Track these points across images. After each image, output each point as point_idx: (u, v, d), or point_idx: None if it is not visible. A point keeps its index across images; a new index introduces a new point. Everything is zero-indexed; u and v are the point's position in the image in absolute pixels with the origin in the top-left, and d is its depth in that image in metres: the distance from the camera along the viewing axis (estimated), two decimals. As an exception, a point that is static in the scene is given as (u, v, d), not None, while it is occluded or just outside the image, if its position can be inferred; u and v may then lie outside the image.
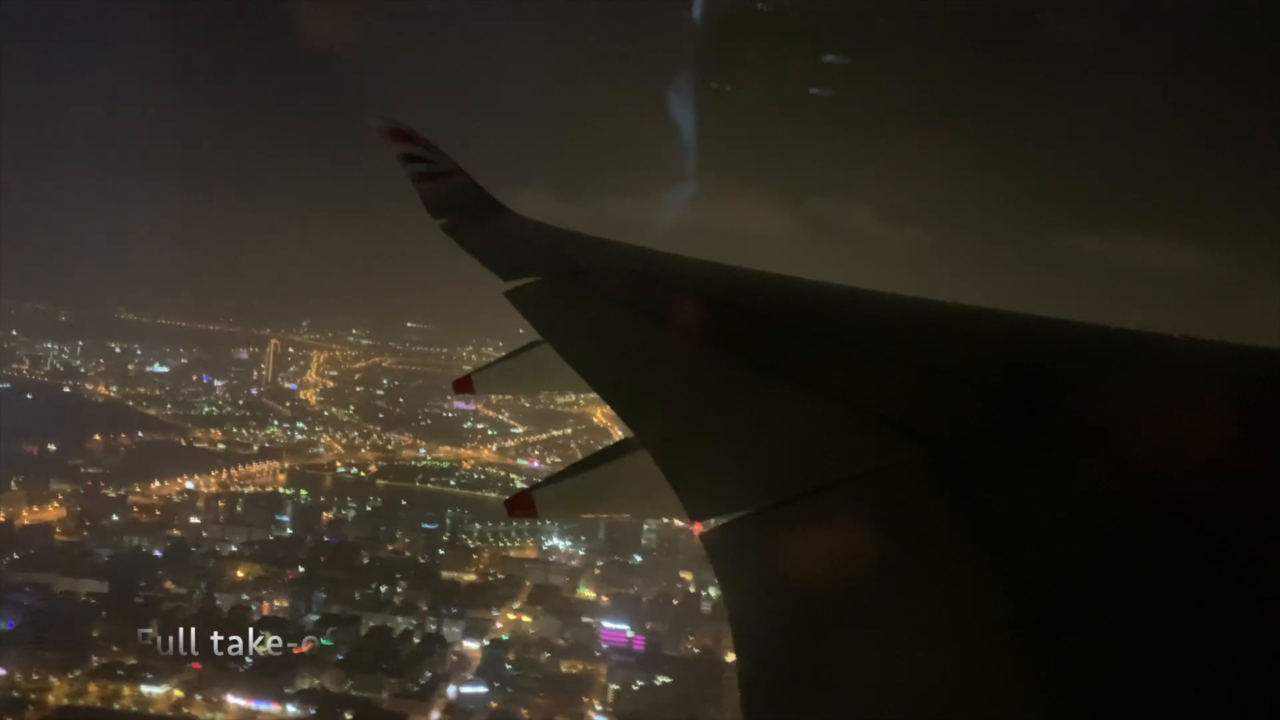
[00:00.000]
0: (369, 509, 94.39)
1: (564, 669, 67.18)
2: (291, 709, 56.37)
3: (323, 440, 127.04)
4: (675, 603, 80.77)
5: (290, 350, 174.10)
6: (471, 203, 9.51)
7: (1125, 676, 1.60)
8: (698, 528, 2.77)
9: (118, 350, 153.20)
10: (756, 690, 1.99)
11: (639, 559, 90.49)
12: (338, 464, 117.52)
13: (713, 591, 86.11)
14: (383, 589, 74.15)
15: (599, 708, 61.62)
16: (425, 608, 71.48)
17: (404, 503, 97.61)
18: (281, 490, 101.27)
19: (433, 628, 69.38)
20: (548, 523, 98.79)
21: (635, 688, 62.93)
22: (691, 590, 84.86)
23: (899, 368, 3.59)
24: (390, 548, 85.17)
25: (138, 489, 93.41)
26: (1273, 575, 1.77)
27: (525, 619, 74.17)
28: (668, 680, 63.79)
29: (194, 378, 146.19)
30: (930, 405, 3.00)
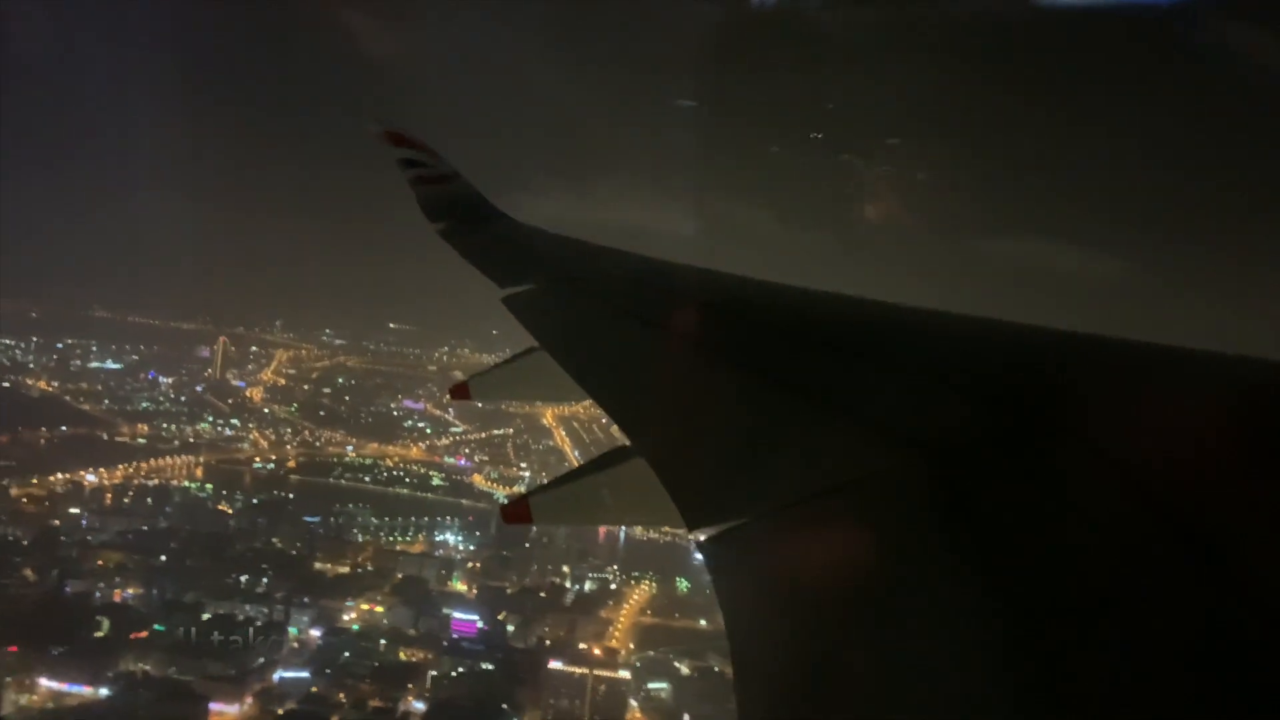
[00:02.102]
0: (255, 502, 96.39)
1: (402, 657, 69.12)
2: (104, 691, 58.39)
3: (251, 436, 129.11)
4: (542, 595, 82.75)
5: (253, 349, 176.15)
6: (469, 208, 9.56)
7: (1119, 685, 1.60)
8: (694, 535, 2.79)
9: (60, 346, 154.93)
10: (751, 697, 2.04)
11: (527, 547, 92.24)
12: (256, 459, 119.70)
13: (590, 585, 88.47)
14: (244, 579, 76.20)
15: (415, 693, 63.39)
16: (279, 597, 73.44)
17: (291, 496, 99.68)
18: (187, 484, 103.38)
19: (279, 616, 71.33)
20: (447, 518, 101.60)
21: (454, 675, 64.67)
22: (566, 585, 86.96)
23: (895, 376, 3.60)
24: (276, 540, 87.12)
25: (35, 481, 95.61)
26: (1269, 583, 1.77)
27: (379, 609, 76.08)
28: (489, 667, 65.59)
29: (141, 375, 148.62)
30: (925, 413, 3.01)
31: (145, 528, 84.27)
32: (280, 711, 59.16)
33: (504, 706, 59.58)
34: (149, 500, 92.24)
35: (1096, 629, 1.78)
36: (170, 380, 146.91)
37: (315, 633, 70.97)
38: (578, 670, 66.26)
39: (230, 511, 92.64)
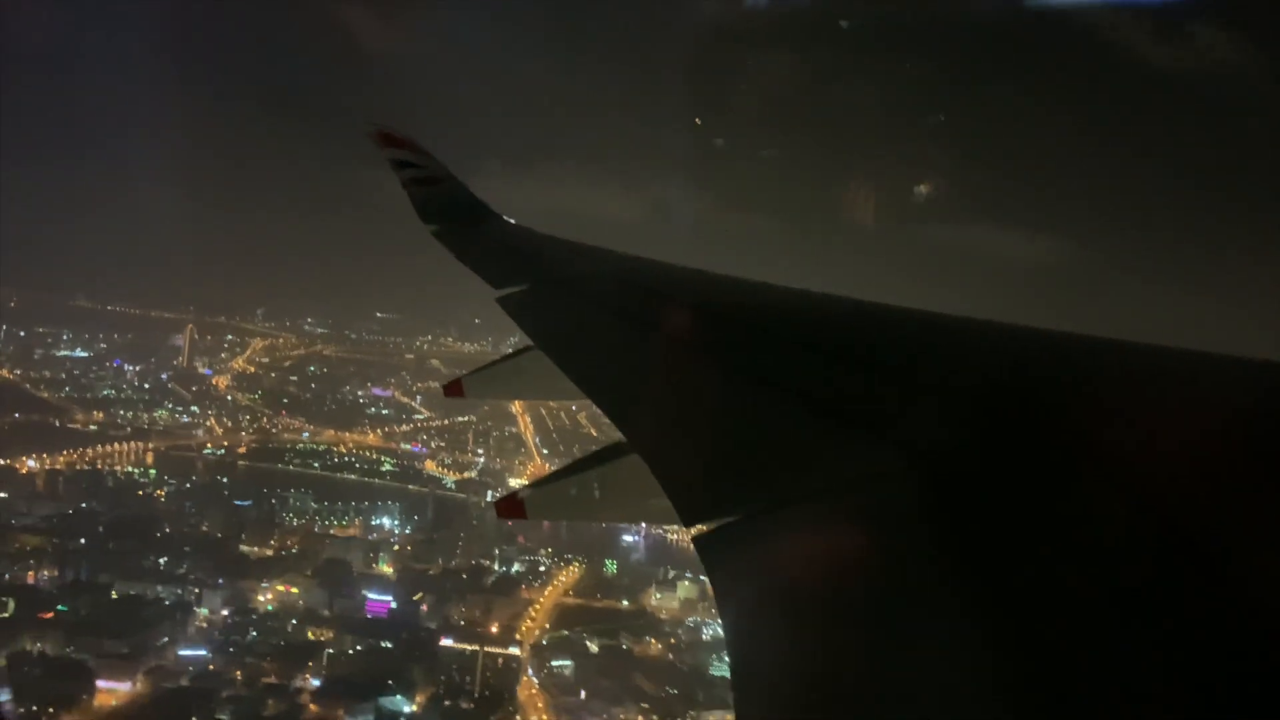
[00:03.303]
0: (187, 485, 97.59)
1: (310, 636, 70.29)
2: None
3: (208, 423, 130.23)
4: (463, 576, 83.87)
5: (229, 337, 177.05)
6: (463, 209, 9.64)
7: (1117, 687, 1.60)
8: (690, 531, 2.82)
9: (23, 334, 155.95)
10: (748, 693, 2.06)
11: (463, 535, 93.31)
12: (207, 446, 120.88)
13: (517, 568, 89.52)
14: (163, 561, 77.31)
15: (314, 671, 64.56)
16: (193, 578, 74.61)
17: (225, 480, 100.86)
18: (130, 469, 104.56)
19: (191, 597, 72.50)
20: (388, 502, 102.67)
21: (350, 653, 65.85)
22: (495, 567, 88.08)
23: (890, 378, 3.62)
24: (203, 524, 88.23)
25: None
26: (1262, 586, 1.77)
27: (294, 590, 77.21)
28: (389, 645, 66.75)
29: (108, 363, 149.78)
30: (918, 415, 3.03)
31: (71, 511, 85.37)
32: (169, 687, 60.29)
33: (389, 682, 60.53)
34: (83, 485, 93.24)
35: (1092, 631, 1.78)
36: (137, 368, 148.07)
37: (226, 613, 72.10)
38: (468, 647, 67.36)
39: (162, 495, 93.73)
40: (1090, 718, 1.58)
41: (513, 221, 9.77)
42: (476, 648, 67.04)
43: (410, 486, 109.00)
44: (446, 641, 68.10)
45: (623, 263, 7.40)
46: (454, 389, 6.68)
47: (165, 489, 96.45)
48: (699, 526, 2.75)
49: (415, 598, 76.72)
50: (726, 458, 3.36)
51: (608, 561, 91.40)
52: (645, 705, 62.78)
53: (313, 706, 60.11)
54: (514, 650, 68.84)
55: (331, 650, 66.39)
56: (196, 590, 73.02)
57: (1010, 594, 1.95)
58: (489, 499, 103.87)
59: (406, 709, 59.63)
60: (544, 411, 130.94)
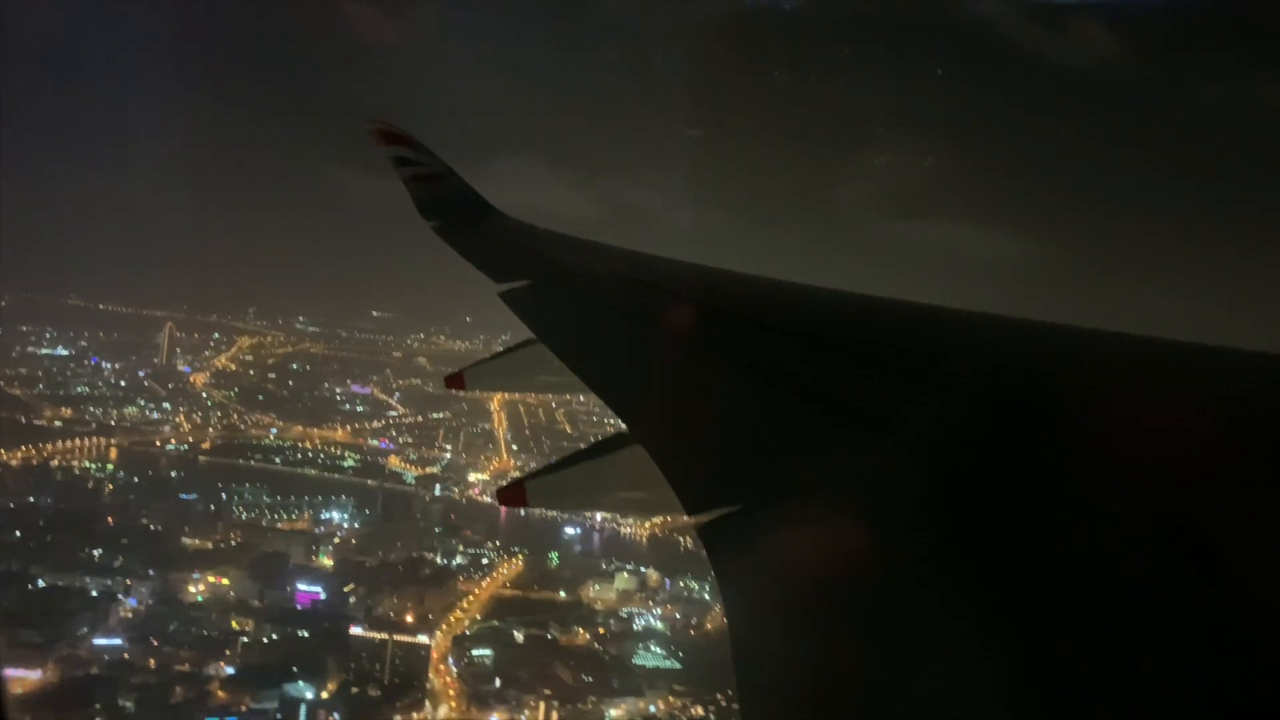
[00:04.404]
0: (135, 480, 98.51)
1: (235, 625, 70.98)
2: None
3: (178, 420, 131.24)
4: (400, 570, 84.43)
5: (216, 335, 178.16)
6: (463, 205, 9.77)
7: (1117, 684, 1.59)
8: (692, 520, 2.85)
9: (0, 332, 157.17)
10: (751, 681, 2.09)
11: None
12: (171, 441, 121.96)
13: (459, 560, 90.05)
14: (98, 553, 78.13)
15: (229, 660, 65.27)
16: (123, 569, 75.40)
17: (175, 474, 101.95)
18: (88, 465, 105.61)
19: (120, 589, 73.28)
20: (342, 497, 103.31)
21: (265, 641, 66.58)
22: (438, 560, 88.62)
23: (889, 371, 3.63)
24: (145, 518, 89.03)
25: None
26: (1262, 581, 1.77)
27: (225, 582, 77.91)
28: (305, 634, 67.46)
29: (86, 361, 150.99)
30: (919, 409, 3.05)
31: (13, 505, 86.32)
32: (78, 675, 61.03)
33: (293, 669, 61.17)
34: (30, 480, 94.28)
35: (1093, 627, 1.77)
36: (116, 366, 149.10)
37: (151, 604, 72.87)
38: (378, 636, 67.94)
39: (109, 489, 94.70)
40: (1091, 712, 1.56)
41: (515, 218, 9.90)
42: (386, 636, 67.57)
43: (369, 481, 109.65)
44: (356, 630, 68.71)
45: (623, 258, 7.45)
46: (456, 381, 6.82)
47: (113, 483, 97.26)
48: (702, 516, 2.81)
49: (346, 589, 77.26)
50: (729, 450, 3.40)
51: (551, 554, 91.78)
52: (548, 692, 63.10)
53: (221, 694, 60.78)
54: (423, 639, 69.35)
55: (247, 639, 67.03)
56: (126, 581, 73.73)
57: (1010, 587, 1.96)
58: (436, 494, 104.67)
59: (309, 695, 60.17)
60: (521, 409, 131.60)
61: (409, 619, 73.91)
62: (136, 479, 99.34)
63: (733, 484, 3.09)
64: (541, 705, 62.29)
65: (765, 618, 2.36)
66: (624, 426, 4.10)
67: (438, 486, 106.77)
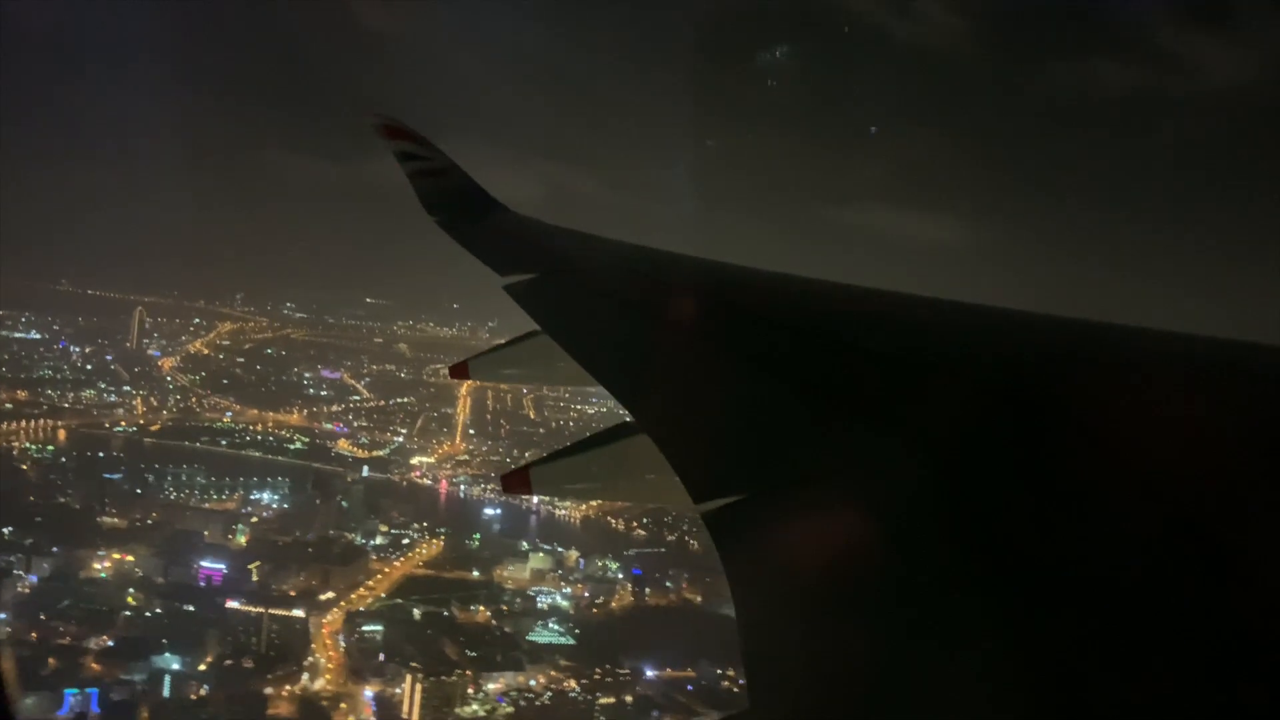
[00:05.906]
0: (63, 460, 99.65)
1: (131, 602, 71.93)
2: None
3: (135, 403, 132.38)
4: (310, 550, 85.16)
5: (196, 320, 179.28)
6: (468, 200, 9.79)
7: (1122, 680, 1.59)
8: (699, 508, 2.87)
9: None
10: (759, 666, 2.11)
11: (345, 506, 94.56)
12: (121, 423, 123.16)
13: (379, 540, 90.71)
14: (8, 530, 79.20)
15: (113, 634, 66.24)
16: (26, 545, 76.43)
17: (101, 454, 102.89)
18: (28, 446, 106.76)
19: (21, 565, 74.30)
20: (277, 478, 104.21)
21: (148, 615, 67.52)
22: (359, 540, 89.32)
23: (894, 363, 3.68)
24: (65, 496, 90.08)
25: None
26: (1266, 573, 1.80)
27: (130, 559, 78.86)
28: (191, 609, 68.32)
29: (56, 345, 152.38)
30: (924, 400, 3.09)
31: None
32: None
33: (163, 641, 62.01)
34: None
35: (1098, 623, 1.77)
36: (85, 350, 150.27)
37: (51, 580, 73.87)
38: (254, 609, 68.76)
39: (28, 468, 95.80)
40: (1097, 703, 1.57)
41: (518, 213, 9.98)
42: (263, 610, 68.36)
43: (315, 464, 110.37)
44: (234, 604, 69.53)
45: (628, 251, 7.54)
46: (460, 371, 6.90)
47: (50, 464, 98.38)
48: (708, 504, 2.84)
49: (250, 566, 78.05)
50: (734, 440, 3.44)
51: (475, 535, 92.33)
52: (415, 665, 63.73)
53: (95, 666, 61.69)
54: (299, 613, 70.12)
55: (129, 613, 67.91)
56: (24, 558, 74.72)
57: (1014, 575, 2.00)
58: (364, 474, 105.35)
59: (175, 666, 61.03)
60: (490, 395, 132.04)
61: (307, 596, 74.72)
62: (66, 460, 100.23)
63: (738, 473, 3.13)
64: (409, 677, 62.85)
65: (771, 604, 2.40)
66: (618, 418, 4.18)
67: (365, 468, 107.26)
